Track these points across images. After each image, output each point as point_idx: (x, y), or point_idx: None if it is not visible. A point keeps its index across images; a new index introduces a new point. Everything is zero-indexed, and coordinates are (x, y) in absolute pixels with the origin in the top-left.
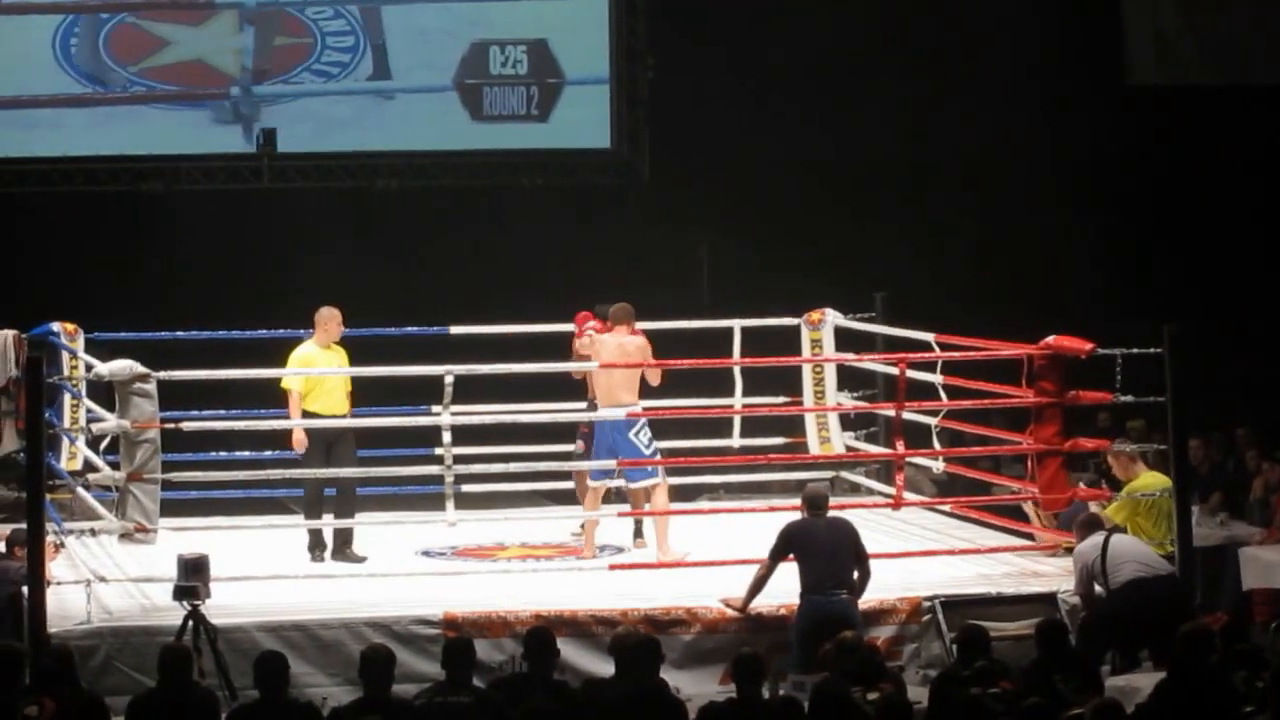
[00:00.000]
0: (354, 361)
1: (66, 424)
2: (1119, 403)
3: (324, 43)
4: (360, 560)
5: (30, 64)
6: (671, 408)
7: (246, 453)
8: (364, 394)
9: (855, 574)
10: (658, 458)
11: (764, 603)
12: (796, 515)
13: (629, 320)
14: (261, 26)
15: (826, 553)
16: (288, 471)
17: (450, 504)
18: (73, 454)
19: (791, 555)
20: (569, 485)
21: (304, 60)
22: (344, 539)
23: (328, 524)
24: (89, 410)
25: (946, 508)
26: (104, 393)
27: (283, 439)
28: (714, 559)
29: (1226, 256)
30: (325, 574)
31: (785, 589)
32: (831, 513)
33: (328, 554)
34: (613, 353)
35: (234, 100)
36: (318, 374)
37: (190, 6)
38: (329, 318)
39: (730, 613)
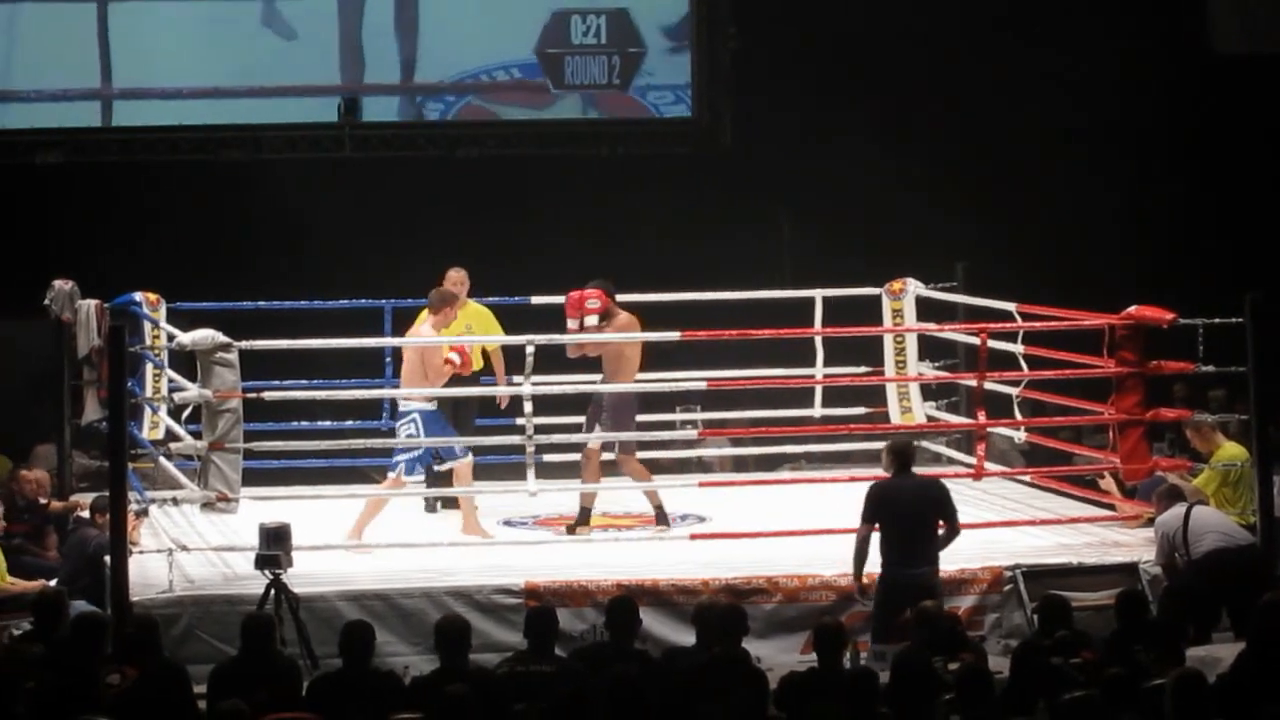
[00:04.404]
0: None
1: (149, 393)
2: (1199, 373)
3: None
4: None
5: None
6: (754, 378)
7: (328, 422)
8: None
9: (943, 536)
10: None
11: (845, 573)
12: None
13: (446, 305)
14: (604, 109)
15: (908, 522)
16: (369, 441)
17: (531, 473)
18: (155, 423)
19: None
20: (656, 455)
21: None
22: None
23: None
24: (171, 380)
25: (1027, 478)
26: (186, 362)
27: (362, 408)
28: (795, 528)
29: None
30: (406, 543)
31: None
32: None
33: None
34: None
35: None
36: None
37: (538, 89)
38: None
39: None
